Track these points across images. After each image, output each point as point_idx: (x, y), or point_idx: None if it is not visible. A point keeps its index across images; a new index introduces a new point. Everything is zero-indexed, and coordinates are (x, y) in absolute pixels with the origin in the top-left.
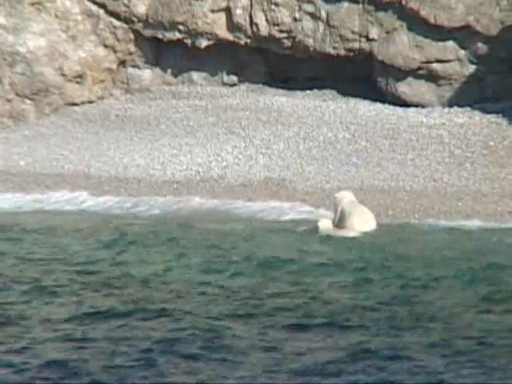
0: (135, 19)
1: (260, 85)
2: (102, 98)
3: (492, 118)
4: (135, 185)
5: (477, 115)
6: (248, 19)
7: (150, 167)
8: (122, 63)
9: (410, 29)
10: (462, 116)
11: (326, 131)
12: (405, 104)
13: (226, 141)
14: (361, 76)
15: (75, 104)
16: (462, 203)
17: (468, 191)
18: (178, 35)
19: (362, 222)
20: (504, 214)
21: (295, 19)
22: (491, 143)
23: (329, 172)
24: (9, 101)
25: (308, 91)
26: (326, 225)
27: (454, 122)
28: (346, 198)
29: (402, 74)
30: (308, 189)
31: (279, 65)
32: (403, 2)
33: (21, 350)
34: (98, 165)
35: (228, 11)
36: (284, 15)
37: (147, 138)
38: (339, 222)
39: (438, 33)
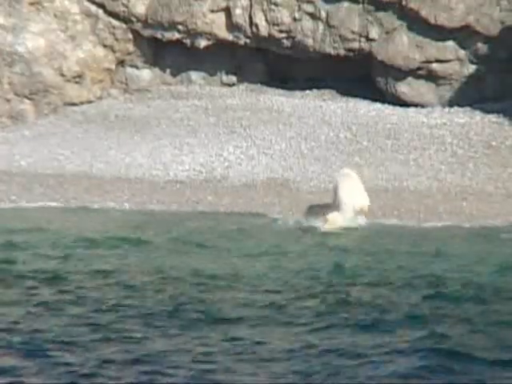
0: (134, 19)
1: (259, 85)
2: (100, 98)
3: (493, 118)
4: (138, 185)
5: (477, 115)
6: (247, 19)
7: (152, 167)
8: (121, 63)
9: (410, 29)
10: (462, 116)
11: (327, 131)
12: (405, 104)
13: (227, 141)
14: (360, 76)
15: (74, 104)
16: (466, 203)
17: (472, 191)
18: (177, 35)
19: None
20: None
21: (295, 19)
22: (493, 143)
23: (332, 172)
24: (8, 101)
25: (307, 91)
26: (333, 217)
27: (455, 122)
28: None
29: (401, 74)
30: (312, 189)
31: (279, 65)
32: (403, 2)
33: None
34: (99, 165)
35: (227, 11)
36: (284, 15)
37: (148, 138)
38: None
39: (438, 33)
